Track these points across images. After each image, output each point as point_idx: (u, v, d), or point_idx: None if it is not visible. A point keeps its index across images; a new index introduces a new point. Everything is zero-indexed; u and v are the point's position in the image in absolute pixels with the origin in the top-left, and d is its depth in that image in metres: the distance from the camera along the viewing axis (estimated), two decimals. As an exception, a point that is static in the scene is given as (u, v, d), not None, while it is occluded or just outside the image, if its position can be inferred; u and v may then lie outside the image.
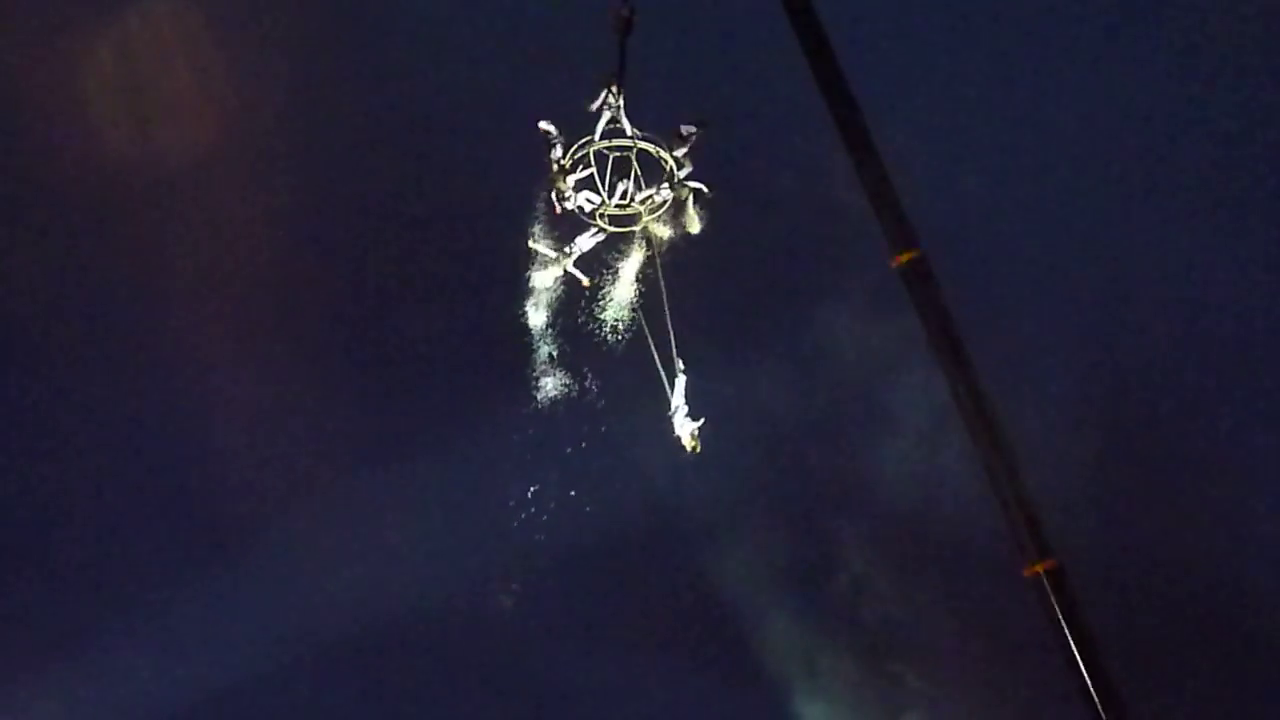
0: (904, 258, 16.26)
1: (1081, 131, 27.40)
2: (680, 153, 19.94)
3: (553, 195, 19.64)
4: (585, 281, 20.78)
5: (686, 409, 19.38)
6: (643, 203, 19.97)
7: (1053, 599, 15.19)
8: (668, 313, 19.84)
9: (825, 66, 16.82)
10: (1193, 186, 27.20)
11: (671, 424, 19.43)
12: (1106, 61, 27.44)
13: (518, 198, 21.01)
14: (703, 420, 19.37)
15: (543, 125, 19.79)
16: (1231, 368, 26.95)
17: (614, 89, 19.53)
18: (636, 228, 20.23)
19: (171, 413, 28.16)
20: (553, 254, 20.63)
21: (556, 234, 20.78)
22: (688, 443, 19.36)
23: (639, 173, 19.87)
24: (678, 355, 19.53)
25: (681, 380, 19.54)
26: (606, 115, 19.61)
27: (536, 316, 22.01)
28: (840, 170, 17.10)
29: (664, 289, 19.98)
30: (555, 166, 19.73)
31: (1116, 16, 27.32)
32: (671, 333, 19.68)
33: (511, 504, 24.84)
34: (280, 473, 28.01)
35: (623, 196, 19.90)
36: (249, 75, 27.42)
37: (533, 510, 24.30)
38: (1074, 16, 27.46)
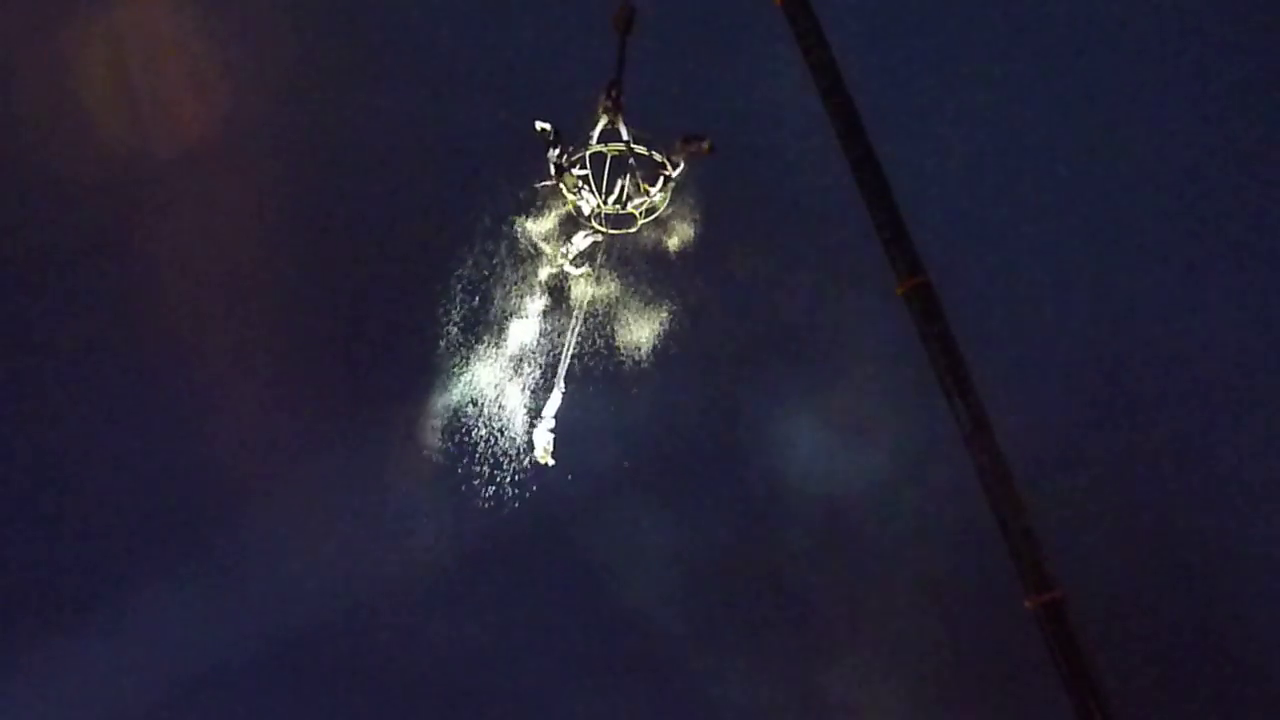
0: (910, 284, 16.12)
1: (1081, 149, 27.50)
2: (677, 157, 19.81)
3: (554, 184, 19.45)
4: (579, 271, 20.64)
5: (553, 424, 19.94)
6: (637, 206, 19.87)
7: (1054, 631, 15.26)
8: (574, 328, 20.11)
9: (840, 107, 16.65)
10: (1192, 205, 27.39)
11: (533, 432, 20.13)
12: (1107, 79, 27.51)
13: (516, 198, 20.75)
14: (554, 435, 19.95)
15: (539, 125, 19.57)
16: (1231, 387, 27.22)
17: (612, 91, 19.36)
18: (632, 229, 20.11)
19: (150, 405, 27.92)
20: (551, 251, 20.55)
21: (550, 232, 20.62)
22: (541, 454, 19.91)
23: (636, 175, 19.77)
24: (564, 374, 20.11)
25: (558, 397, 20.03)
26: (604, 118, 19.49)
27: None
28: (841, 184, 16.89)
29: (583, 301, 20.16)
30: (553, 167, 19.55)
31: (1114, 37, 27.39)
32: (570, 348, 20.17)
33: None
34: (249, 467, 27.74)
35: (619, 199, 19.80)
36: (244, 74, 27.19)
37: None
38: (1075, 40, 27.53)
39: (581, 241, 20.16)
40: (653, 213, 19.94)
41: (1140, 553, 25.97)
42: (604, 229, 19.91)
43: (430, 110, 26.90)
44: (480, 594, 27.43)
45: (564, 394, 20.12)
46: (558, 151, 19.43)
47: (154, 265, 27.46)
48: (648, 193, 19.73)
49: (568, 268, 20.38)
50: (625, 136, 19.45)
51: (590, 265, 20.30)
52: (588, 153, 19.49)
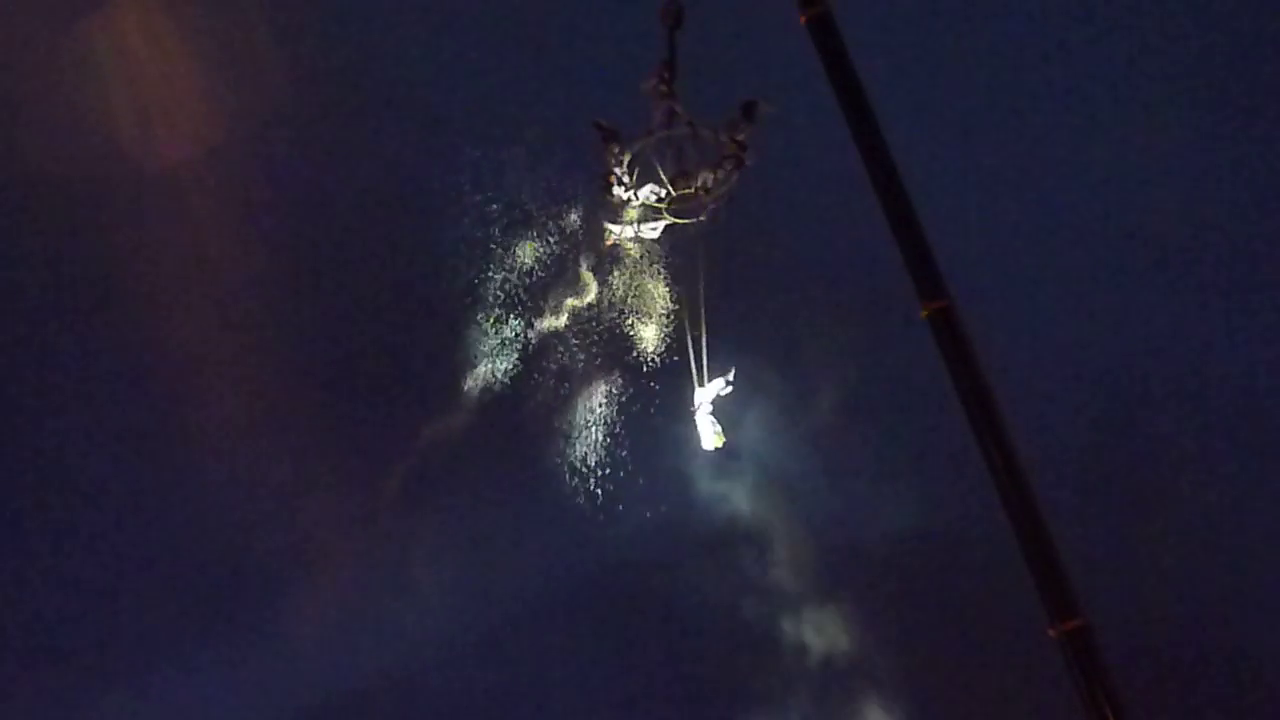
0: (933, 307, 15.79)
1: (1100, 168, 26.03)
2: (741, 137, 19.53)
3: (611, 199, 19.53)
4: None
5: (711, 408, 19.85)
6: (703, 189, 19.77)
7: (1079, 659, 15.13)
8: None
9: (860, 121, 16.21)
10: (1216, 226, 25.64)
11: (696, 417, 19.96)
12: (1130, 102, 26.47)
13: (540, 204, 20.92)
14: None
15: (599, 123, 19.59)
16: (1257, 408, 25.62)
17: (664, 73, 19.21)
18: (701, 217, 20.06)
19: (186, 475, 28.68)
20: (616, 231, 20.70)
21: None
22: (712, 440, 19.84)
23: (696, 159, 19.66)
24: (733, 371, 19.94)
25: (721, 384, 19.92)
26: (661, 103, 19.39)
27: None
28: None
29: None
30: (614, 164, 19.58)
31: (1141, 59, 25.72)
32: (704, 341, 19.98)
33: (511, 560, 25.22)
34: (280, 537, 28.44)
35: (685, 185, 19.75)
36: (245, 74, 27.38)
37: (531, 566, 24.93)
38: (1103, 62, 25.52)
39: (646, 231, 20.25)
40: (721, 196, 19.84)
41: (1163, 577, 24.85)
42: (671, 219, 19.98)
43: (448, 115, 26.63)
44: (523, 655, 28.12)
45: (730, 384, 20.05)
46: (618, 149, 19.48)
47: (182, 292, 28.04)
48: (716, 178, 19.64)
49: (630, 243, 20.51)
50: (686, 119, 19.39)
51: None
52: (649, 142, 19.54)
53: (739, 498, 26.87)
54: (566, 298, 22.40)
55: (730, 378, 20.10)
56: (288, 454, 28.17)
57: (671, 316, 21.43)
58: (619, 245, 20.48)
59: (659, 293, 21.60)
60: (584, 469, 23.39)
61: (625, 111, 19.03)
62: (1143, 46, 26.75)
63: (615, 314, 22.04)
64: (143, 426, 28.45)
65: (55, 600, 28.23)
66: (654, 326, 22.05)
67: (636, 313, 21.77)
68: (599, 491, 23.62)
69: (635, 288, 21.63)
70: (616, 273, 21.64)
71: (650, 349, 22.13)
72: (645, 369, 21.96)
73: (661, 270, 21.34)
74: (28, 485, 28.18)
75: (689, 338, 20.10)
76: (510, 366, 23.18)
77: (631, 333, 21.91)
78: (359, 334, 28.47)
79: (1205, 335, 26.38)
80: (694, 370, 20.04)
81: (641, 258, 21.05)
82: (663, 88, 19.32)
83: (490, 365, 23.44)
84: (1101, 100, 27.13)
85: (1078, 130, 27.20)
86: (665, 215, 19.84)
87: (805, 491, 27.55)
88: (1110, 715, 15.21)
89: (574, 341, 22.55)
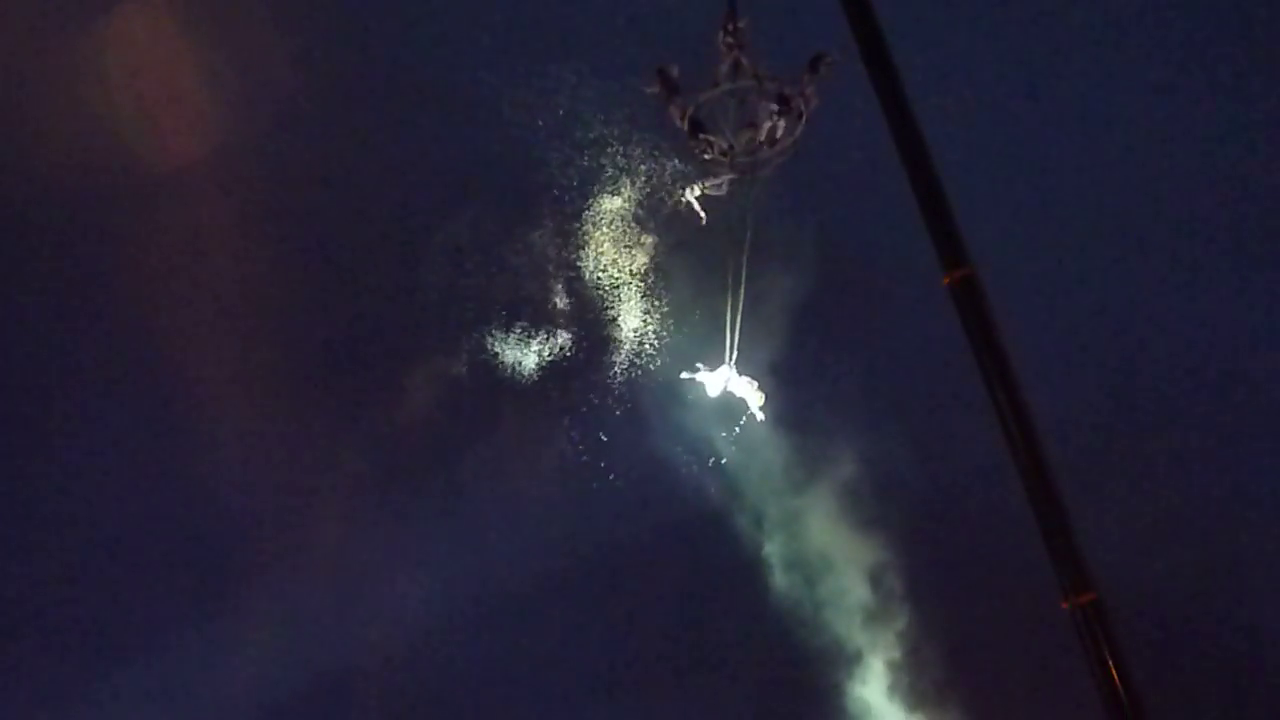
0: (955, 275, 15.74)
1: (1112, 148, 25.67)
2: (809, 89, 19.48)
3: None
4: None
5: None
6: (768, 142, 19.80)
7: (1091, 632, 15.06)
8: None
9: (885, 81, 16.14)
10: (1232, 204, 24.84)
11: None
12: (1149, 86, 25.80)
13: (539, 202, 21.17)
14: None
15: (663, 70, 19.74)
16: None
17: (730, 24, 19.27)
18: (766, 171, 20.12)
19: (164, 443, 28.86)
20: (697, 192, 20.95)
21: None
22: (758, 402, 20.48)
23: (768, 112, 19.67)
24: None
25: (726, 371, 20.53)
26: (728, 55, 19.46)
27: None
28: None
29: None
30: (679, 116, 19.78)
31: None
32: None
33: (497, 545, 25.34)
34: (270, 518, 28.43)
35: (752, 139, 19.82)
36: (243, 94, 27.49)
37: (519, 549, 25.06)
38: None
39: (713, 187, 20.41)
40: (785, 150, 19.84)
41: (1172, 552, 23.74)
42: (736, 173, 20.08)
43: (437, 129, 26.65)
44: (517, 632, 28.11)
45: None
46: (680, 100, 19.62)
47: (176, 288, 28.20)
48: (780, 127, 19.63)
49: (691, 199, 20.70)
50: (753, 71, 19.40)
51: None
52: (716, 93, 19.62)
53: (732, 469, 26.96)
54: (567, 274, 22.69)
55: (731, 363, 20.68)
56: (281, 433, 28.50)
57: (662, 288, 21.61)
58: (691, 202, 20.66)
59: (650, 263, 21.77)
60: (576, 446, 23.81)
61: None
62: (1163, 36, 25.91)
63: (612, 286, 22.28)
64: (135, 411, 28.86)
65: (40, 583, 28.53)
66: (644, 299, 22.30)
67: (633, 283, 22.00)
68: (592, 467, 24.04)
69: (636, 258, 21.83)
70: (620, 245, 21.80)
71: (644, 323, 22.41)
72: (637, 342, 22.20)
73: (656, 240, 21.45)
74: (17, 470, 28.68)
75: (729, 301, 20.44)
76: (505, 346, 23.66)
77: (624, 303, 22.16)
78: (353, 314, 28.73)
79: (1212, 316, 25.20)
80: (727, 337, 20.44)
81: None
82: (729, 39, 19.39)
83: (485, 345, 23.95)
84: (1121, 86, 26.49)
85: (1095, 114, 26.65)
86: (730, 169, 19.98)
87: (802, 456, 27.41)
88: (1120, 687, 15.20)
89: (567, 319, 22.88)
